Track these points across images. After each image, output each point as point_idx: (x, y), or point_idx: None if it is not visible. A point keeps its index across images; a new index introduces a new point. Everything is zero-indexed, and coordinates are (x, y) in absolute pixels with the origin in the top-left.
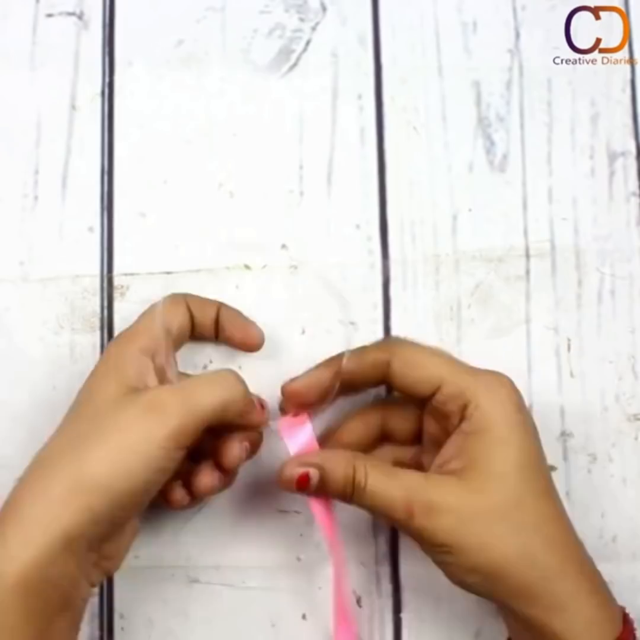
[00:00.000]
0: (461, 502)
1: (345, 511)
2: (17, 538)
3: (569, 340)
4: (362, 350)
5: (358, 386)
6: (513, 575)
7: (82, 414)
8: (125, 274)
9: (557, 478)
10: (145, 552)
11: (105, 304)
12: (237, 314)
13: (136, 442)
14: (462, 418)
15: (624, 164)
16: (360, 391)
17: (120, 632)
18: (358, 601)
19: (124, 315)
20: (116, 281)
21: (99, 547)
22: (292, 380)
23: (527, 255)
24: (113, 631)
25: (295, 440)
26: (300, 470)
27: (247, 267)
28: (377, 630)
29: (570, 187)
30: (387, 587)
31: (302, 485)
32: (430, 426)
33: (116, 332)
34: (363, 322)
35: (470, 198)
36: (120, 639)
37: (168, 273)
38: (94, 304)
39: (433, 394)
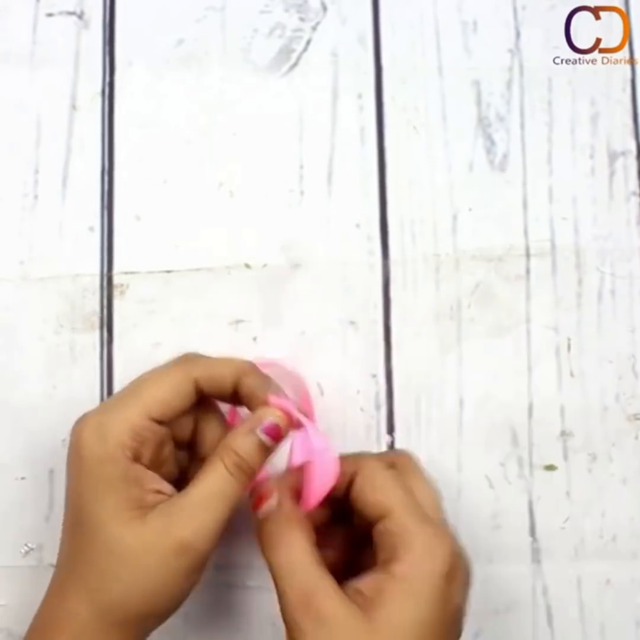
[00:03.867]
0: (348, 634)
1: None
2: None
3: (569, 339)
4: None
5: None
6: None
7: (92, 544)
8: (125, 273)
9: (557, 478)
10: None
11: (105, 303)
12: (259, 380)
13: (165, 583)
14: (390, 558)
15: (624, 163)
16: None
17: None
18: None
19: (124, 314)
20: (116, 280)
21: None
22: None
23: (527, 255)
24: None
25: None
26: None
27: (247, 266)
28: None
29: (570, 186)
30: None
31: (258, 503)
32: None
33: (116, 332)
34: (363, 322)
35: (471, 197)
36: None
37: (168, 272)
38: (94, 303)
39: (377, 521)
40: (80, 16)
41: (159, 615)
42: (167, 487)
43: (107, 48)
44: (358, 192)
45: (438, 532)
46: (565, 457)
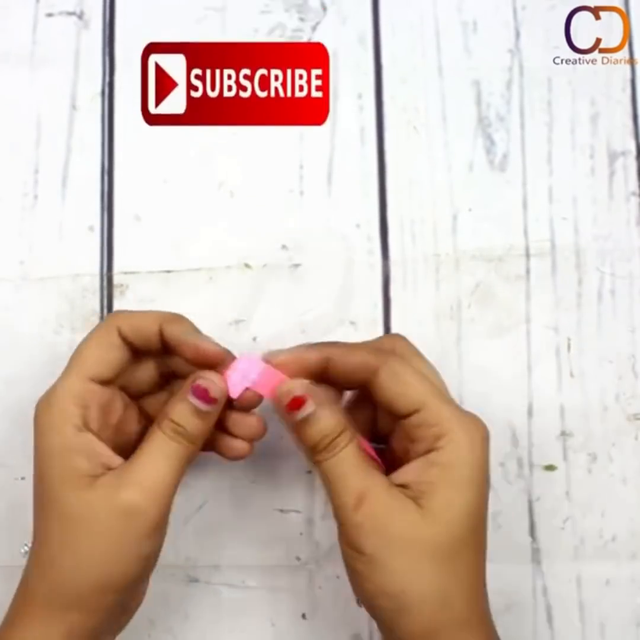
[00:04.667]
0: (408, 524)
1: None
2: None
3: (569, 339)
4: (354, 347)
5: (337, 382)
6: (423, 612)
7: (49, 517)
8: (125, 273)
9: (557, 478)
10: (154, 562)
11: (105, 302)
12: (183, 327)
13: (117, 551)
14: (431, 448)
15: (624, 163)
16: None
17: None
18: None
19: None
20: (116, 280)
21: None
22: (274, 352)
23: (527, 255)
24: None
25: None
26: (303, 392)
27: (247, 266)
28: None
29: (570, 186)
30: None
31: (293, 407)
32: (397, 440)
33: None
34: (363, 322)
35: (471, 198)
36: (120, 638)
37: (168, 272)
38: (94, 302)
39: (410, 414)
40: (80, 16)
41: (115, 589)
42: (116, 460)
43: (107, 48)
44: (358, 192)
45: (470, 417)
46: (565, 457)
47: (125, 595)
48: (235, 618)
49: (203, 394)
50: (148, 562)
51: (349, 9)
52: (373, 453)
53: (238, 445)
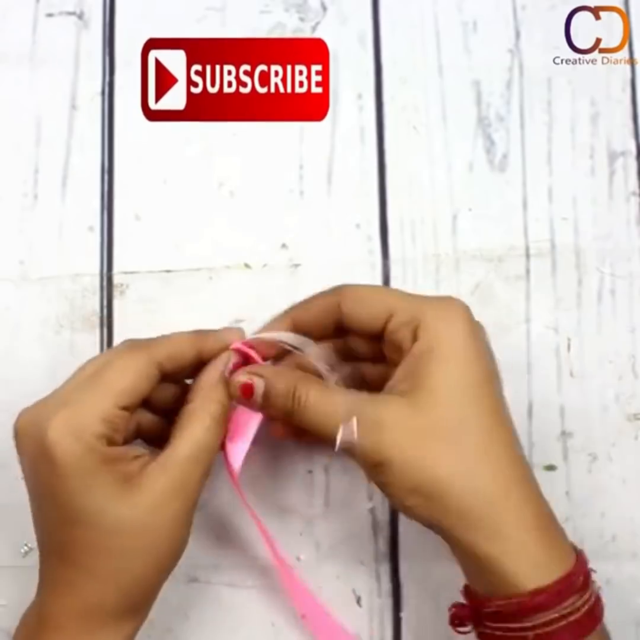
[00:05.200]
0: (404, 418)
1: (346, 509)
2: None
3: (569, 339)
4: (310, 299)
5: (313, 335)
6: (454, 496)
7: (92, 538)
8: (125, 273)
9: (557, 478)
10: None
11: (105, 302)
12: (222, 341)
13: (172, 543)
14: (413, 341)
15: (624, 163)
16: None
17: None
18: (358, 601)
19: (124, 314)
20: (116, 280)
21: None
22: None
23: (527, 255)
24: None
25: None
26: (245, 379)
27: (247, 266)
28: (377, 630)
29: (570, 186)
30: (387, 586)
31: (246, 395)
32: (389, 357)
33: (116, 331)
34: None
35: (471, 197)
36: None
37: (168, 272)
38: (94, 302)
39: (385, 326)
40: (80, 16)
41: (172, 569)
42: (139, 449)
43: (107, 48)
44: (358, 192)
45: (442, 299)
46: (565, 457)
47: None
48: (235, 618)
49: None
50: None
51: (349, 8)
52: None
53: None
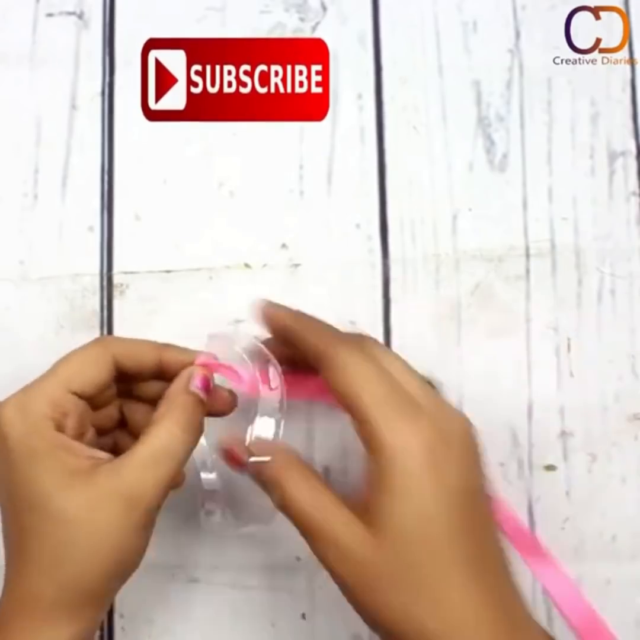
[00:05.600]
0: (359, 556)
1: None
2: None
3: (569, 339)
4: (314, 329)
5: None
6: (405, 637)
7: (42, 519)
8: (125, 273)
9: (557, 478)
10: (146, 552)
11: (105, 302)
12: (184, 352)
13: (125, 537)
14: (369, 455)
15: (624, 163)
16: None
17: (121, 632)
18: None
19: (124, 314)
20: (116, 280)
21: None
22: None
23: (527, 255)
24: (113, 631)
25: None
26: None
27: (247, 266)
28: None
29: (570, 186)
30: None
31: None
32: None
33: (116, 331)
34: (363, 321)
35: (471, 197)
36: (120, 638)
37: (168, 272)
38: (94, 302)
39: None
40: (80, 16)
41: (121, 577)
42: (100, 454)
43: (107, 48)
44: (358, 192)
45: (406, 424)
46: (565, 457)
47: (126, 580)
48: (235, 618)
49: (206, 384)
50: (145, 549)
51: (349, 9)
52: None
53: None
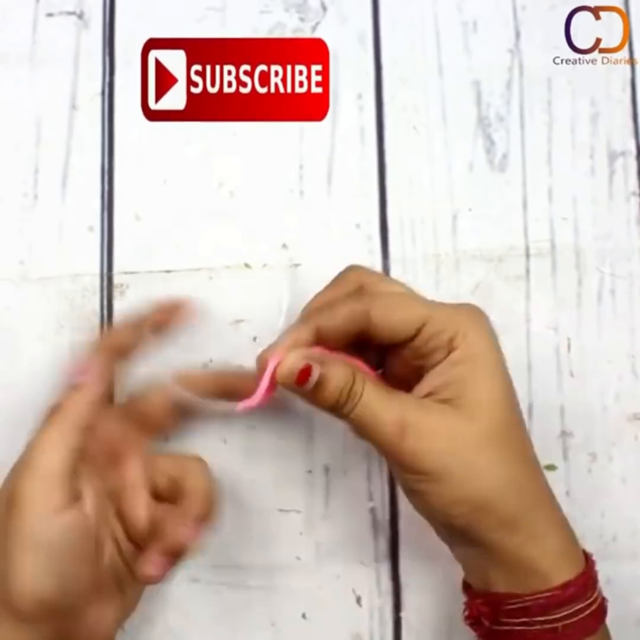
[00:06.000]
0: (454, 428)
1: (346, 509)
2: None
3: (569, 339)
4: (336, 306)
5: (332, 343)
6: (500, 504)
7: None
8: (125, 273)
9: (557, 478)
10: None
11: (105, 302)
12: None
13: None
14: (449, 350)
15: (624, 163)
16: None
17: (121, 632)
18: (358, 600)
19: (124, 314)
20: (116, 280)
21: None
22: (269, 348)
23: (527, 255)
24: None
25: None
26: (305, 362)
27: (247, 266)
28: (377, 630)
29: (570, 186)
30: (387, 585)
31: (302, 380)
32: (403, 365)
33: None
34: None
35: (471, 198)
36: (120, 638)
37: (168, 271)
38: (94, 302)
39: (417, 333)
40: (80, 16)
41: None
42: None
43: (107, 48)
44: (358, 192)
45: (468, 308)
46: (565, 457)
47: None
48: (235, 618)
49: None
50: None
51: (349, 9)
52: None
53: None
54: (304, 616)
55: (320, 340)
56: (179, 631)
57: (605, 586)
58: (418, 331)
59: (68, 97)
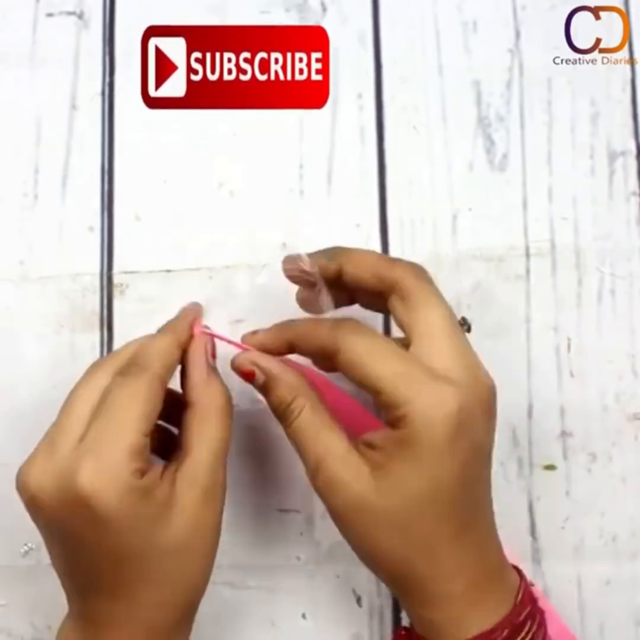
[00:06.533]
0: (358, 493)
1: None
2: None
3: (569, 339)
4: (315, 328)
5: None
6: (389, 575)
7: (143, 567)
8: (125, 273)
9: (557, 478)
10: None
11: (105, 302)
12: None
13: (207, 540)
14: (393, 423)
15: (624, 163)
16: None
17: None
18: (358, 601)
19: (124, 314)
20: (116, 279)
21: None
22: (248, 334)
23: (527, 255)
24: None
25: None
26: (250, 367)
27: (247, 265)
28: (377, 630)
29: (570, 186)
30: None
31: (248, 377)
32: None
33: (116, 331)
34: (363, 321)
35: (471, 197)
36: None
37: (168, 271)
38: (94, 302)
39: (377, 394)
40: (80, 16)
41: (211, 571)
42: (157, 461)
43: (107, 48)
44: (358, 192)
45: (434, 392)
46: (565, 457)
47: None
48: (235, 618)
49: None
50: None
51: (349, 8)
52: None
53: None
54: (304, 616)
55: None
56: None
57: (605, 586)
58: (377, 391)
59: (68, 97)
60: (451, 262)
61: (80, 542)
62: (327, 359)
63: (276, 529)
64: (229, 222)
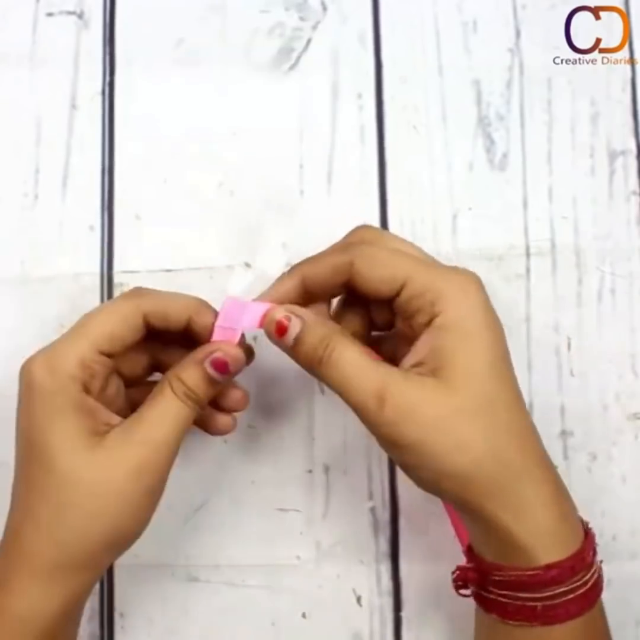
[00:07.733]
0: (434, 400)
1: (346, 509)
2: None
3: (569, 339)
4: (321, 255)
5: (320, 295)
6: (486, 475)
7: (49, 478)
8: (125, 272)
9: None
10: (145, 551)
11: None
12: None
13: (128, 508)
14: (432, 315)
15: (624, 163)
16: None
17: (121, 631)
18: (358, 600)
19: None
20: (116, 279)
21: None
22: (258, 297)
23: (528, 254)
24: (113, 630)
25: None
26: (282, 316)
27: (247, 265)
28: (377, 629)
29: (570, 186)
30: (387, 585)
31: (280, 333)
32: (400, 323)
33: None
34: None
35: (471, 197)
36: (120, 637)
37: (168, 271)
38: (94, 302)
39: (398, 293)
40: (80, 16)
41: (123, 545)
42: (116, 419)
43: (107, 48)
44: (358, 192)
45: (456, 270)
46: (565, 457)
47: (127, 548)
48: (235, 617)
49: (222, 366)
50: (151, 515)
51: (349, 8)
52: (376, 355)
53: (223, 421)
54: (304, 616)
55: (307, 290)
56: (179, 630)
57: (605, 586)
58: (399, 291)
59: (68, 97)
60: (451, 262)
61: (18, 426)
62: (341, 279)
63: (276, 528)
64: (229, 222)
